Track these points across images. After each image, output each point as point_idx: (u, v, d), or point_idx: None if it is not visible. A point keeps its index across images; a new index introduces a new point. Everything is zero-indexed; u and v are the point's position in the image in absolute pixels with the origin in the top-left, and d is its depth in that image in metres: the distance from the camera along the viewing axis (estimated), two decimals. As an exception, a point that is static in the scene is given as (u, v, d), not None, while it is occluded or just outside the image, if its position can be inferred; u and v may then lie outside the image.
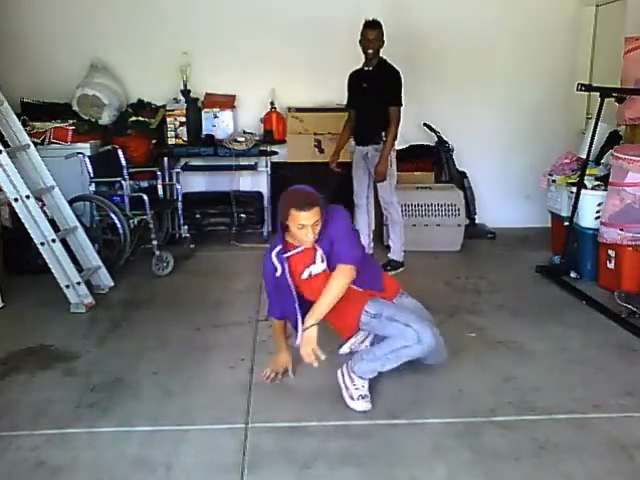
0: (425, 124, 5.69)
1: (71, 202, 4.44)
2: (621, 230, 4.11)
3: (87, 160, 4.68)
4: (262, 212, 5.80)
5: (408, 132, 5.28)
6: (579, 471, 2.37)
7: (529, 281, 4.61)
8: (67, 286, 3.99)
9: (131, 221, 4.66)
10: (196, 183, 5.94)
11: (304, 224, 2.66)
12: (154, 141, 5.59)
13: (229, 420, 2.72)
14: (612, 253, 4.26)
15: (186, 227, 5.55)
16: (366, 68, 4.58)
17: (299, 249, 2.82)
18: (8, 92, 4.34)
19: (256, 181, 5.91)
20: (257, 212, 5.78)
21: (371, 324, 2.86)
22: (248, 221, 5.74)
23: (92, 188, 4.76)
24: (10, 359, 3.37)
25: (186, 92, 5.61)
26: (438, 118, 5.70)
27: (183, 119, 5.55)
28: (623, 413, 2.76)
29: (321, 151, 5.66)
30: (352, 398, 2.80)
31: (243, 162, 5.65)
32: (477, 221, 5.85)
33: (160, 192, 5.26)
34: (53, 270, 3.98)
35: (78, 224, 4.34)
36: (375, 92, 4.50)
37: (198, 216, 5.69)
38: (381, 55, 4.52)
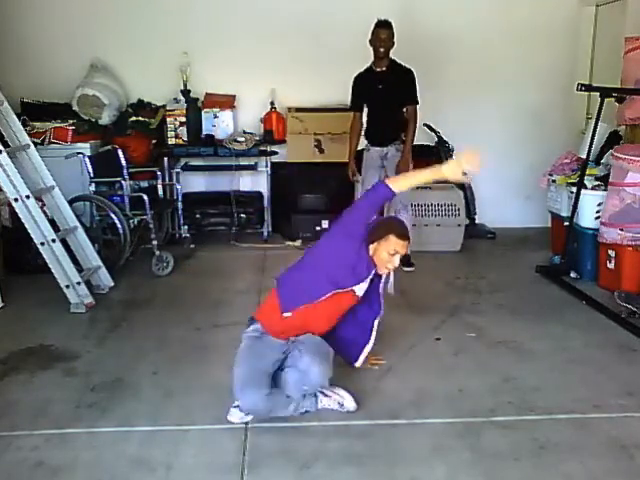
0: (425, 124, 5.69)
1: (71, 202, 4.44)
2: (621, 230, 4.12)
3: (87, 160, 4.68)
4: (262, 212, 5.79)
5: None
6: (579, 471, 2.37)
7: (529, 281, 4.61)
8: (67, 286, 3.98)
9: (131, 221, 4.66)
10: (196, 183, 5.94)
11: (398, 251, 2.80)
12: (154, 141, 5.59)
13: (229, 420, 2.72)
14: (612, 253, 4.26)
15: (186, 227, 5.56)
16: (378, 69, 4.58)
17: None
18: (8, 92, 4.34)
19: (256, 181, 5.91)
20: (257, 212, 5.77)
21: None
22: (248, 221, 5.74)
23: (92, 188, 4.75)
24: (10, 359, 3.36)
25: (186, 92, 5.61)
26: (438, 118, 5.69)
27: (183, 119, 5.55)
28: (623, 413, 2.77)
29: (321, 151, 5.67)
30: (341, 404, 2.78)
31: (243, 162, 5.65)
32: (477, 221, 5.85)
33: (160, 192, 5.26)
34: (53, 270, 3.97)
35: (78, 224, 4.34)
36: (393, 92, 4.54)
37: (198, 216, 5.69)
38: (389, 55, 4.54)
